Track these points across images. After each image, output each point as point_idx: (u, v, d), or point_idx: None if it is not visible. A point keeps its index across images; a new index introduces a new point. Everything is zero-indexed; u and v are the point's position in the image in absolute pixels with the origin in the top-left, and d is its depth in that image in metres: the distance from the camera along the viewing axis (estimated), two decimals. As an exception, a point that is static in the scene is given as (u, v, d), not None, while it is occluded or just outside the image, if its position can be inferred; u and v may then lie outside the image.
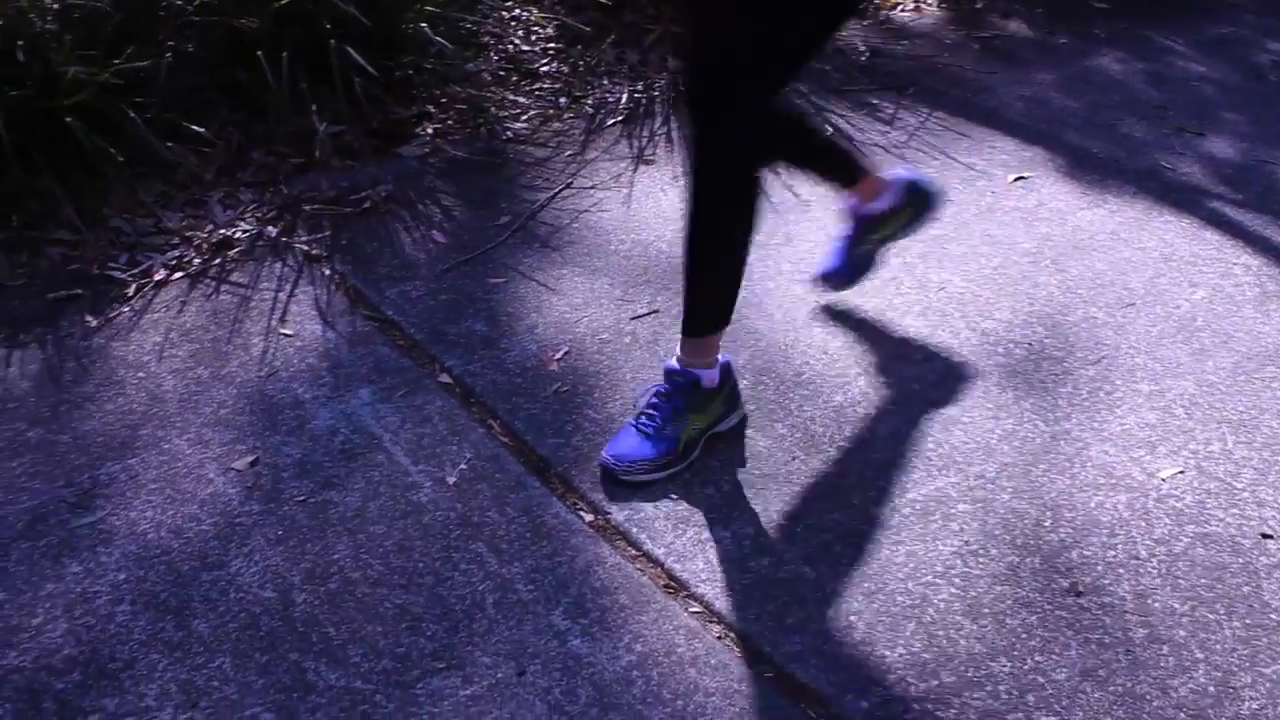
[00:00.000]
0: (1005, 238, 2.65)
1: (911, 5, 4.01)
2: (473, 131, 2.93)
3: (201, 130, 2.68)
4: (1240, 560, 1.78)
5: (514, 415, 2.01)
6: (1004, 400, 2.12)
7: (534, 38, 3.40)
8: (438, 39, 2.91)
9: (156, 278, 2.39)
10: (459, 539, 1.75)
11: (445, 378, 2.10)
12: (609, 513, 1.81)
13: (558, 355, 2.15)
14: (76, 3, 2.61)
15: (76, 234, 2.51)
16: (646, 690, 1.51)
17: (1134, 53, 3.78)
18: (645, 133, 2.98)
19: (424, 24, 2.90)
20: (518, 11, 3.48)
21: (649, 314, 2.30)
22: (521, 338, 2.21)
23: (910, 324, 2.32)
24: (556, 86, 3.18)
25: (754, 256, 2.49)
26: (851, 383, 2.14)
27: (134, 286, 2.35)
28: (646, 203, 2.69)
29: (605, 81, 3.22)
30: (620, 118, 3.07)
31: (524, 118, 3.00)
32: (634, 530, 1.77)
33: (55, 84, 2.55)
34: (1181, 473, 1.96)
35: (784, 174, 2.84)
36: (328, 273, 2.39)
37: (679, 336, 1.89)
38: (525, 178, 2.77)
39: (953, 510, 1.85)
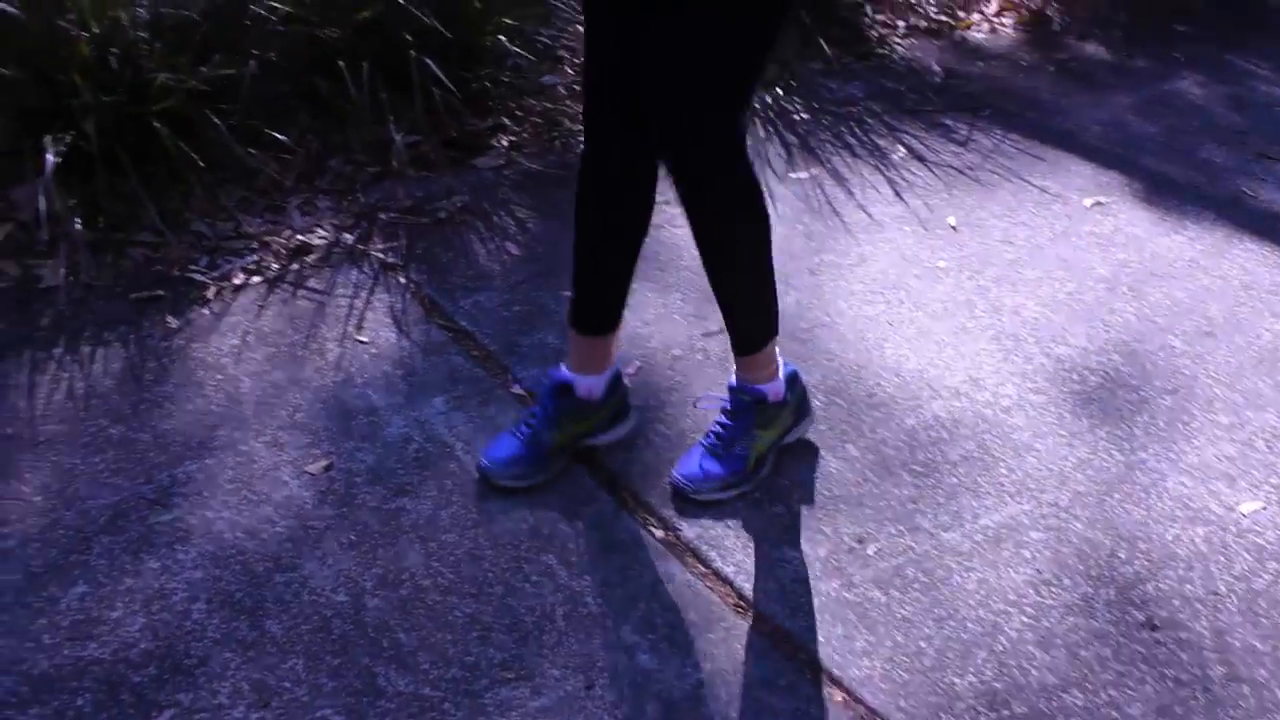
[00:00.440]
0: (1081, 263, 2.62)
1: (987, 26, 3.98)
2: (547, 144, 2.96)
3: (282, 138, 2.73)
4: (1324, 600, 1.74)
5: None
6: (1078, 428, 2.09)
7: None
8: (515, 51, 2.94)
9: (235, 281, 2.43)
10: (530, 550, 1.76)
11: (518, 389, 2.11)
12: (679, 529, 1.81)
13: (630, 370, 2.16)
14: (167, 12, 2.68)
15: (159, 236, 2.57)
16: (714, 709, 1.51)
17: (1214, 76, 3.71)
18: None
19: (502, 37, 2.93)
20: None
21: (720, 331, 2.29)
22: (592, 351, 2.22)
23: (983, 347, 2.30)
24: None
25: (826, 276, 2.49)
26: (924, 406, 2.12)
27: (213, 289, 2.40)
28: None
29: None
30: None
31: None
32: (704, 548, 1.77)
33: (145, 90, 2.61)
34: (1264, 508, 1.92)
35: (856, 193, 2.83)
36: (403, 281, 2.42)
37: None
38: (597, 191, 2.79)
39: (1025, 538, 1.82)
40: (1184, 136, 3.29)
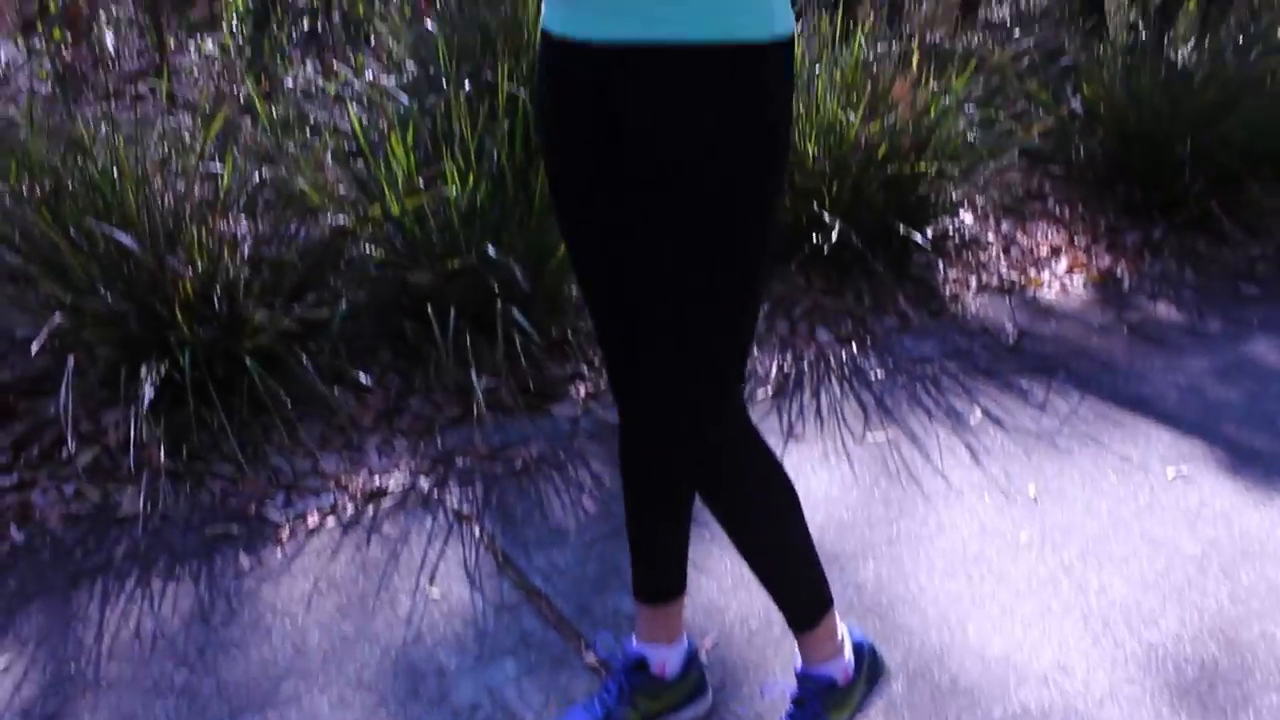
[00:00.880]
0: (1167, 539, 2.54)
1: (1057, 285, 4.03)
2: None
3: (365, 380, 2.79)
4: None
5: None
6: (1178, 727, 1.97)
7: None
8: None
9: (310, 522, 2.43)
10: (597, 842, 1.66)
11: (591, 658, 2.06)
12: (755, 826, 1.71)
13: (706, 645, 2.09)
14: (268, 252, 2.80)
15: (238, 470, 2.60)
16: None
17: (1292, 344, 3.70)
18: (794, 406, 3.00)
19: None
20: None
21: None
22: (665, 615, 2.17)
23: (1070, 629, 2.21)
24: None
25: (905, 547, 2.44)
26: (1010, 695, 2.03)
27: (288, 529, 2.40)
28: (797, 482, 2.67)
29: (755, 352, 3.28)
30: (769, 390, 3.10)
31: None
32: None
33: (240, 327, 2.71)
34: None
35: (934, 457, 2.80)
36: (477, 532, 2.41)
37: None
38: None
39: None
40: (1265, 403, 3.24)
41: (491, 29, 3.50)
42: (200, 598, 2.18)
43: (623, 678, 1.81)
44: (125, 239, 2.63)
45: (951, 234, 4.11)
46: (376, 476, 2.59)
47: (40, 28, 7.38)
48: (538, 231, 2.89)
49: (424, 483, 2.57)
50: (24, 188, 2.94)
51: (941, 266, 3.93)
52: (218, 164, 3.07)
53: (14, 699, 1.91)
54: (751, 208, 1.37)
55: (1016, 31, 5.86)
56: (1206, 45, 5.70)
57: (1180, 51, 7.35)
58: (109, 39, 7.69)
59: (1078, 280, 4.10)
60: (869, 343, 3.40)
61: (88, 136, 3.12)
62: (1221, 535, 2.57)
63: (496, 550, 2.36)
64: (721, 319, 1.41)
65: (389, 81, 3.66)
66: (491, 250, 2.77)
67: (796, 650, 1.82)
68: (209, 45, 7.19)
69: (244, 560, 2.30)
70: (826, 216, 3.46)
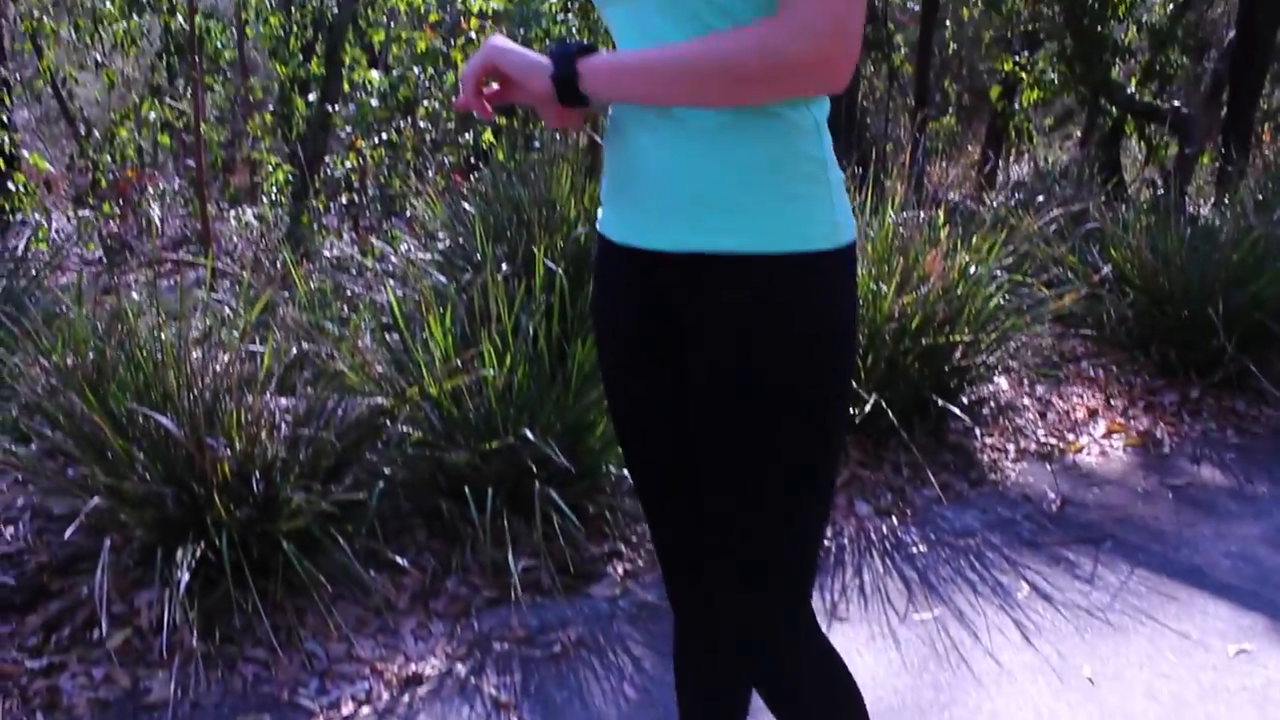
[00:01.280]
0: (1234, 725, 2.43)
1: (1096, 449, 3.98)
2: (661, 574, 2.94)
3: (402, 561, 2.76)
4: None
5: None
6: None
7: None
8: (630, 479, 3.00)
9: (345, 710, 2.37)
10: None
11: None
12: None
13: None
14: (305, 434, 2.81)
15: (272, 653, 2.55)
16: None
17: (1343, 508, 3.62)
18: (836, 585, 2.94)
19: (619, 468, 3.00)
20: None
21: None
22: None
23: (1140, 829, 2.10)
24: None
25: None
26: None
27: (322, 718, 2.34)
28: (839, 660, 2.60)
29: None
30: (810, 563, 3.05)
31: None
32: None
33: (277, 508, 2.70)
34: None
35: (983, 636, 2.72)
36: (515, 723, 2.34)
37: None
38: (712, 622, 2.73)
39: None
40: (1321, 574, 3.15)
41: (525, 204, 3.59)
42: (229, 797, 2.11)
43: None
44: (166, 421, 2.65)
45: (987, 399, 4.10)
46: (412, 662, 2.53)
47: (90, 200, 7.66)
48: (575, 408, 2.90)
49: (461, 668, 2.51)
50: (68, 363, 3.00)
51: (979, 434, 3.90)
52: (258, 344, 3.11)
53: None
54: (820, 413, 1.35)
55: (1039, 195, 5.96)
56: (1227, 202, 5.77)
57: (1201, 209, 7.44)
58: (154, 210, 7.96)
59: (1117, 443, 4.05)
60: (909, 515, 3.35)
61: (131, 314, 3.18)
62: (1290, 719, 2.46)
63: (535, 745, 2.28)
64: (793, 525, 1.38)
65: (424, 256, 3.75)
66: (529, 432, 2.77)
67: None
68: (248, 215, 7.43)
69: (275, 755, 2.23)
70: (861, 390, 3.45)
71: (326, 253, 5.30)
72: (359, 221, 5.79)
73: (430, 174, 4.77)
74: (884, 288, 3.47)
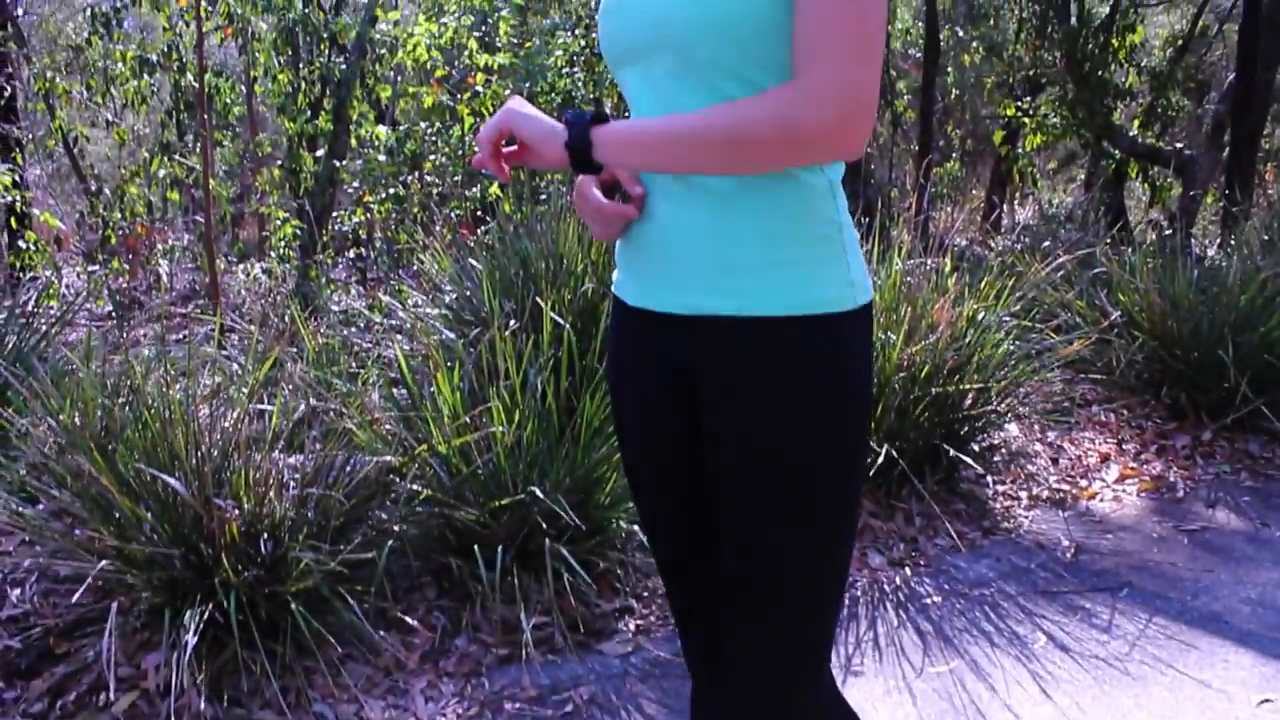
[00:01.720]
0: (1260, 779, 2.38)
1: (1110, 495, 3.95)
2: (674, 629, 2.91)
3: (411, 621, 2.74)
4: None
5: None
6: None
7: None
8: (640, 534, 2.98)
9: (354, 776, 2.34)
10: None
11: None
12: None
13: None
14: (313, 493, 2.80)
15: (280, 715, 2.52)
16: None
17: (1362, 553, 3.57)
18: (851, 638, 2.90)
19: (634, 524, 2.98)
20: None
21: None
22: None
23: None
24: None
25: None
26: None
27: (330, 785, 2.30)
28: None
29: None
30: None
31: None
32: None
33: (285, 568, 2.68)
34: None
35: (1000, 690, 2.68)
36: (527, 787, 2.30)
37: None
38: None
39: None
40: (1343, 621, 3.10)
41: (532, 258, 3.60)
42: None
43: None
44: (173, 482, 2.64)
45: (999, 447, 4.07)
46: (422, 725, 2.50)
47: (100, 256, 7.71)
48: (584, 464, 2.88)
49: (471, 731, 2.48)
50: (76, 422, 2.99)
51: (991, 482, 3.87)
52: (266, 401, 3.11)
53: None
54: (836, 473, 1.34)
55: (1045, 239, 5.97)
56: (1233, 244, 5.76)
57: (1207, 250, 7.44)
58: (164, 266, 8.00)
59: (1130, 489, 4.02)
60: (923, 565, 3.31)
61: (139, 373, 3.18)
62: (1317, 772, 2.41)
63: (548, 809, 2.24)
64: (812, 587, 1.37)
65: (432, 312, 3.75)
66: (538, 489, 2.75)
67: None
68: (257, 269, 7.47)
69: (284, 822, 2.19)
70: (872, 440, 3.44)
71: (334, 307, 5.31)
72: (367, 275, 5.81)
73: (437, 228, 4.79)
74: (893, 337, 3.46)
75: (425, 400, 2.97)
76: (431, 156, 5.30)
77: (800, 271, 1.31)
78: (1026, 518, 3.72)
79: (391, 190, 5.35)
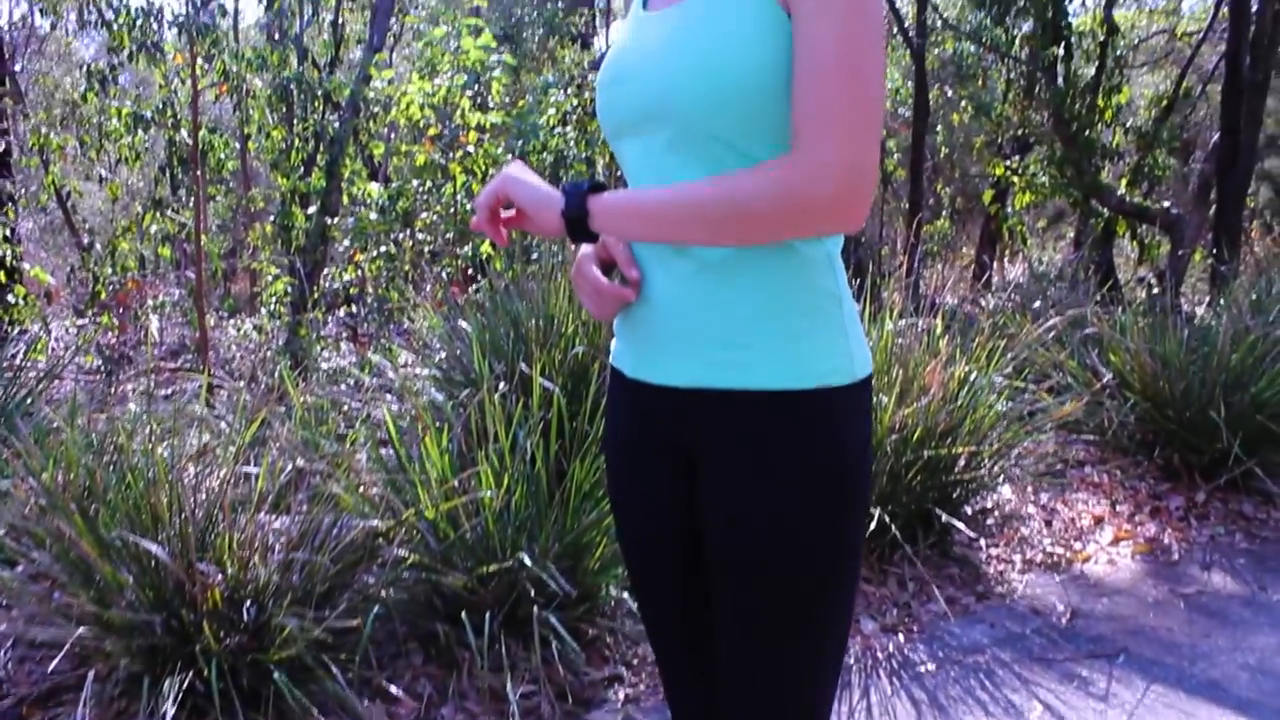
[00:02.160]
0: None
1: (1104, 558, 3.92)
2: (663, 699, 2.85)
3: (395, 691, 2.69)
4: None
5: None
6: None
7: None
8: (630, 601, 2.94)
9: None
10: None
11: None
12: None
13: None
14: (298, 558, 2.75)
15: (263, 790, 2.46)
16: None
17: (1359, 618, 3.53)
18: (843, 708, 2.85)
19: (622, 592, 2.94)
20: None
21: None
22: None
23: None
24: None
25: None
26: None
27: None
28: (849, 790, 2.50)
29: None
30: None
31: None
32: None
33: (268, 635, 2.63)
34: None
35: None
36: None
37: None
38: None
39: None
40: (1342, 688, 3.06)
41: (523, 319, 3.58)
42: None
43: None
44: (155, 548, 2.60)
45: (991, 509, 4.04)
46: (405, 799, 2.43)
47: (90, 310, 7.68)
48: (574, 529, 2.85)
49: (455, 806, 2.42)
50: (59, 481, 2.95)
51: (984, 545, 3.84)
52: (253, 462, 3.07)
53: None
54: (834, 545, 1.32)
55: (1035, 299, 5.99)
56: (1222, 303, 5.78)
57: (1197, 309, 7.47)
58: (154, 321, 7.98)
59: (1125, 551, 3.98)
60: (916, 632, 3.27)
61: (123, 432, 3.15)
62: None
63: None
64: (809, 658, 1.35)
65: (422, 372, 3.73)
66: (527, 556, 2.71)
67: None
68: (248, 324, 7.45)
69: None
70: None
71: (324, 364, 5.29)
72: (358, 332, 5.79)
73: (428, 287, 4.78)
74: (885, 399, 3.45)
75: (413, 463, 2.93)
76: (423, 214, 5.31)
77: (799, 345, 1.30)
78: (1021, 581, 3.68)
79: (383, 248, 5.35)
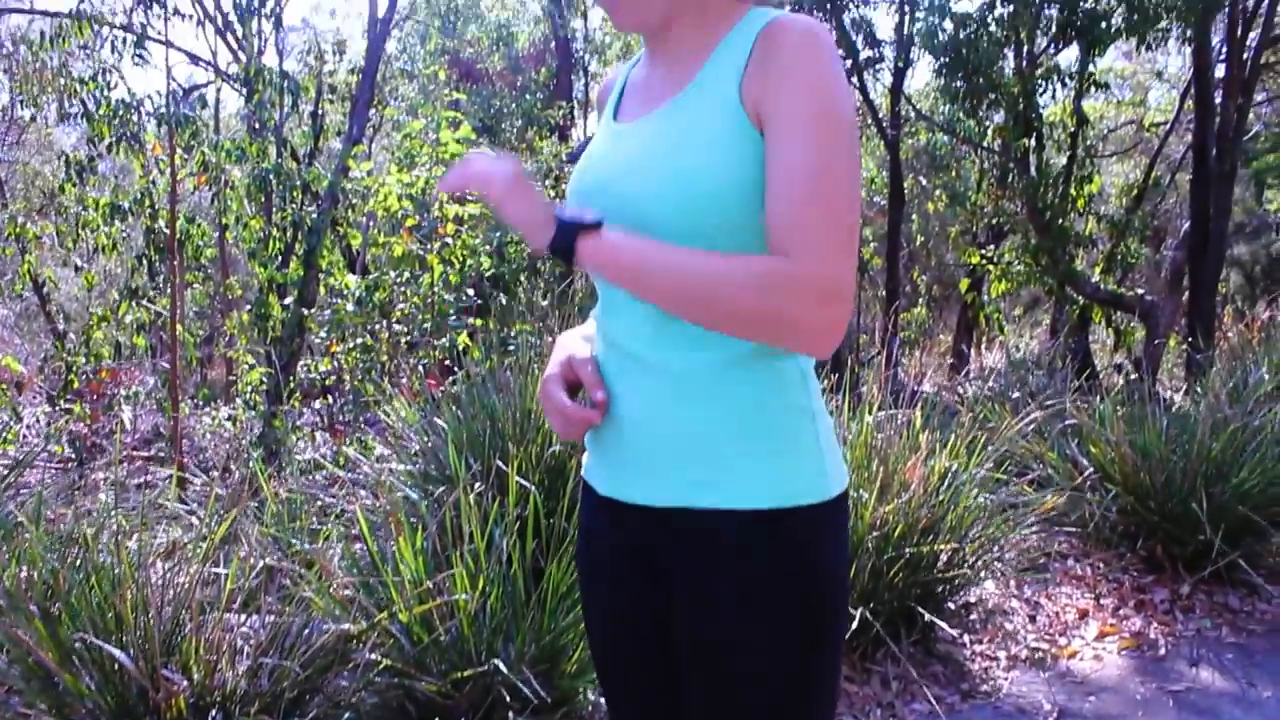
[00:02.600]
0: None
1: (1090, 653, 3.86)
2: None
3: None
4: None
5: None
6: None
7: None
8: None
9: None
10: None
11: None
12: None
13: None
14: (267, 662, 2.67)
15: None
16: None
17: (1351, 714, 3.48)
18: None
19: (601, 696, 2.86)
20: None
21: None
22: None
23: None
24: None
25: None
26: None
27: None
28: None
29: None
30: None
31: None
32: None
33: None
34: None
35: None
36: None
37: None
38: None
39: None
40: (1336, 791, 3.00)
41: (500, 413, 3.55)
42: None
43: None
44: (119, 655, 2.51)
45: (975, 605, 3.99)
46: None
47: (63, 400, 7.59)
48: (550, 630, 2.78)
49: None
50: (21, 579, 2.86)
51: (968, 642, 3.77)
52: (223, 563, 3.00)
53: None
54: (811, 661, 1.29)
55: (1013, 389, 6.00)
56: (1200, 391, 5.80)
57: (1175, 395, 7.50)
58: (126, 413, 7.89)
59: (1111, 647, 3.93)
60: (902, 734, 3.20)
61: (88, 539, 3.07)
62: None
63: None
64: None
65: (397, 467, 3.67)
66: (502, 661, 2.64)
67: None
68: (223, 411, 7.36)
69: None
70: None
71: (299, 456, 5.22)
72: (334, 423, 5.74)
73: (404, 380, 4.75)
74: (865, 495, 3.41)
75: (386, 564, 2.87)
76: (400, 305, 5.30)
77: (772, 463, 1.27)
78: (1006, 679, 3.61)
79: (360, 340, 5.33)
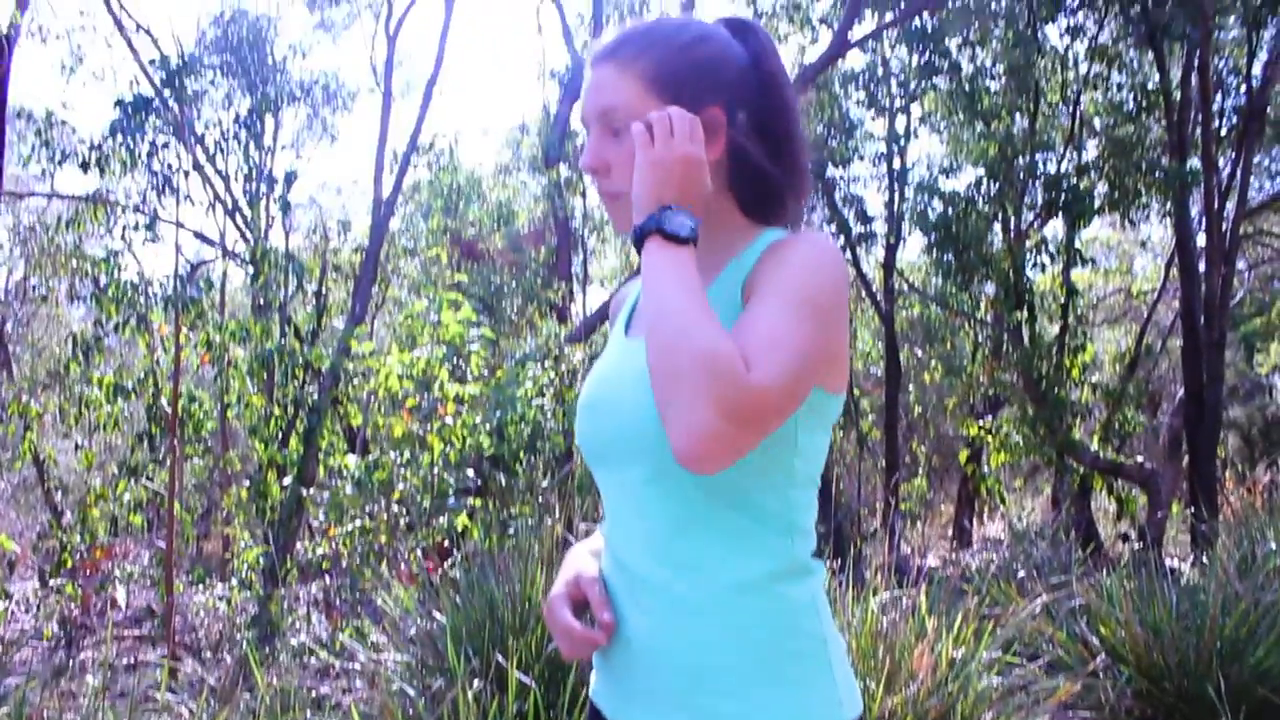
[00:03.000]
0: None
1: None
2: None
3: None
4: None
5: None
6: None
7: None
8: None
9: None
10: None
11: None
12: None
13: None
14: None
15: None
16: None
17: None
18: None
19: None
20: None
21: None
22: None
23: None
24: None
25: None
26: None
27: None
28: None
29: None
30: None
31: None
32: None
33: None
34: None
35: None
36: None
37: None
38: None
39: None
40: None
41: (499, 602, 3.49)
42: None
43: None
44: None
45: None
46: None
47: (55, 578, 7.48)
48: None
49: None
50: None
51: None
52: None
53: None
54: None
55: (1016, 564, 5.92)
56: (1206, 562, 5.72)
57: (1182, 565, 7.39)
58: (119, 591, 7.77)
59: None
60: None
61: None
62: None
63: None
64: None
65: (394, 657, 3.59)
66: None
67: None
68: (219, 588, 7.24)
69: None
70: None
71: (293, 640, 5.10)
72: (331, 606, 5.63)
73: (403, 564, 4.69)
74: (871, 685, 3.32)
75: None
76: (400, 485, 5.28)
77: (784, 692, 1.24)
78: None
79: (358, 522, 5.28)
